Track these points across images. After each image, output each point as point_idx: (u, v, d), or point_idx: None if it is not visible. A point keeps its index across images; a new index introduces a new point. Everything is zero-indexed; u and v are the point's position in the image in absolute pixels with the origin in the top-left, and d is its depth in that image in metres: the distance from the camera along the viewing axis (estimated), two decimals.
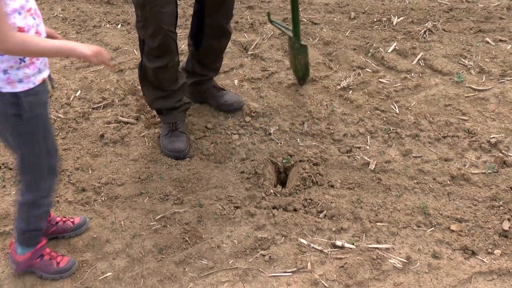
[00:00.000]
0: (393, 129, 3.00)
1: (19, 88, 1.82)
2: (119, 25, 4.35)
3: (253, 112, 3.18)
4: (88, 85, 3.50)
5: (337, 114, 3.15)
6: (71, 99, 3.35)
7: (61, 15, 4.54)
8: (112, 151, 2.93)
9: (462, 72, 3.45)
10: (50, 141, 2.04)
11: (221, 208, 2.54)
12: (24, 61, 1.81)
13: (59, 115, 3.18)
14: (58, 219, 2.39)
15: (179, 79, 2.87)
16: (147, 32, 2.61)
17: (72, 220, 2.41)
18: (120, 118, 3.16)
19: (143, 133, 3.04)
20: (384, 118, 3.09)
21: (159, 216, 2.50)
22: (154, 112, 3.09)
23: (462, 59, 3.59)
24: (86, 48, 1.81)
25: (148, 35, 2.62)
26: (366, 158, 2.81)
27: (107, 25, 4.36)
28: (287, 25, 3.62)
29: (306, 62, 3.27)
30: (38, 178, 2.06)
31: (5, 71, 1.79)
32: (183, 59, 3.25)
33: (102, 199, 2.61)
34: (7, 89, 1.80)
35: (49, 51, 1.81)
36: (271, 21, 3.32)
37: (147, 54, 2.70)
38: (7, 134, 1.95)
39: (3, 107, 1.84)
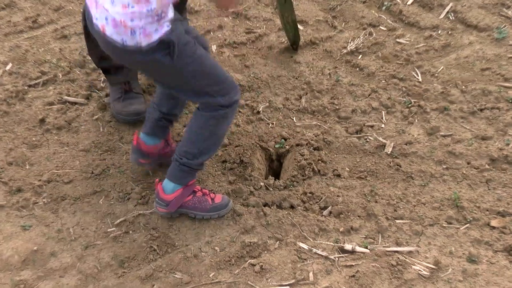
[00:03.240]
0: (415, 102, 3.02)
1: (156, 36, 2.07)
2: None
3: None
4: (22, 56, 3.49)
5: (343, 85, 3.17)
6: (0, 74, 3.34)
7: None
8: (56, 139, 2.93)
9: (504, 26, 3.48)
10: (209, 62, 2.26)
11: None
12: (161, 17, 2.06)
13: None
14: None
15: None
16: None
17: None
18: (66, 97, 3.15)
19: (96, 116, 3.04)
20: (404, 88, 3.11)
21: (119, 220, 2.51)
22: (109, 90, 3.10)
23: (504, 9, 3.61)
24: None
25: None
26: (381, 139, 2.84)
27: None
28: None
29: (294, 20, 3.28)
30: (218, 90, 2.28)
31: (143, 28, 2.05)
32: None
33: (44, 201, 2.61)
34: (145, 42, 2.06)
35: None
36: None
37: None
38: (168, 79, 2.26)
39: (152, 57, 2.10)
